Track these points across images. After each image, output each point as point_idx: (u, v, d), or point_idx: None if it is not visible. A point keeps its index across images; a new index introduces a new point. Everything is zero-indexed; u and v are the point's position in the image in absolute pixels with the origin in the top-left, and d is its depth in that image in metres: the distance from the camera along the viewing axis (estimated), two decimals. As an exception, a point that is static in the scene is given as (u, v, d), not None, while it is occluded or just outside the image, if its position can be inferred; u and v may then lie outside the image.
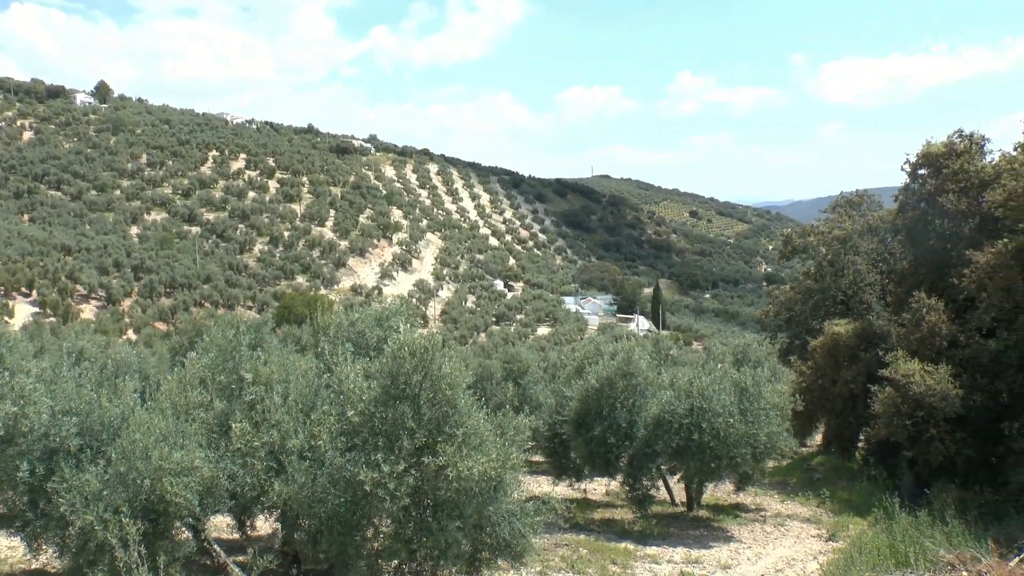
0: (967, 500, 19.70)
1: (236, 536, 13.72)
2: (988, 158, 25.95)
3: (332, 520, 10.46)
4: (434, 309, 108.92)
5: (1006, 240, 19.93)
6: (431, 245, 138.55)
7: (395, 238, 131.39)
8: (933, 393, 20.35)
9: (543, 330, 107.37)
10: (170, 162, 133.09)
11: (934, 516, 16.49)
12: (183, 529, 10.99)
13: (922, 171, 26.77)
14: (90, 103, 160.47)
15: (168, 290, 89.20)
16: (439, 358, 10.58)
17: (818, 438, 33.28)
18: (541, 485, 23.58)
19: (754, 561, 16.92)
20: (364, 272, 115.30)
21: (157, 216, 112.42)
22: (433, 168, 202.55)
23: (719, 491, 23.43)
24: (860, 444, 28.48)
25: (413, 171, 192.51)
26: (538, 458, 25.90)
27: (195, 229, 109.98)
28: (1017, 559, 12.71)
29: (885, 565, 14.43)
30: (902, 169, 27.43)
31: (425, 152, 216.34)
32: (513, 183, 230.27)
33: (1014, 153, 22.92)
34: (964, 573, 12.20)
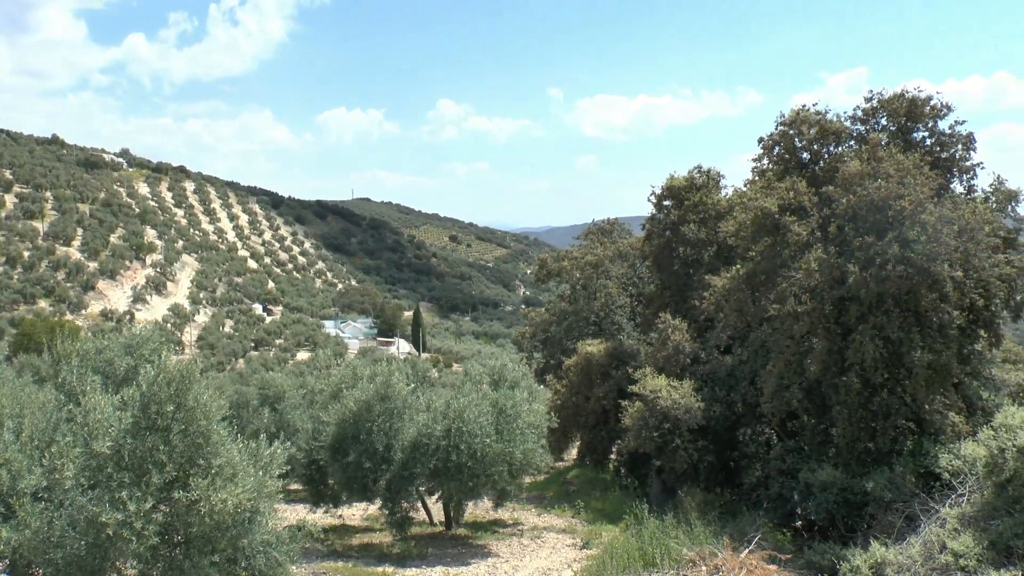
0: (709, 502, 21.26)
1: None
2: (723, 192, 28.31)
3: (71, 566, 9.75)
4: (190, 334, 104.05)
5: (738, 266, 21.63)
6: (187, 267, 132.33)
7: (149, 260, 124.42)
8: (678, 406, 21.85)
9: (303, 355, 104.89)
10: None
11: (679, 519, 17.72)
12: None
13: (666, 202, 28.67)
14: None
15: None
16: (194, 387, 10.22)
17: (573, 452, 34.50)
18: (299, 513, 23.12)
19: (511, 574, 17.44)
20: (115, 296, 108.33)
21: None
22: (190, 186, 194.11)
23: (478, 508, 23.85)
24: (613, 456, 29.91)
25: (168, 189, 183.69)
26: (296, 486, 25.38)
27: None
28: (747, 551, 13.97)
29: (634, 567, 15.33)
30: (648, 200, 29.27)
31: (181, 169, 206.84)
32: (273, 204, 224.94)
33: (744, 188, 25.01)
34: (703, 568, 13.25)
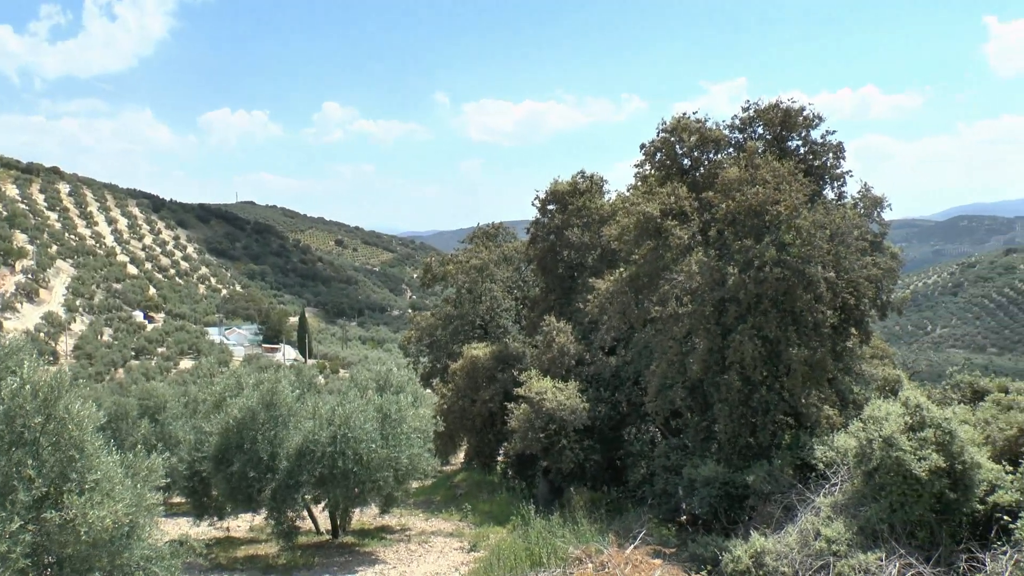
0: (596, 500, 21.64)
1: None
2: (607, 197, 28.79)
3: (-76, 598, 9.16)
4: (66, 344, 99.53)
5: (622, 269, 22.04)
6: (62, 273, 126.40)
7: (19, 265, 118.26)
8: (563, 407, 22.13)
9: (186, 363, 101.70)
10: None
11: (566, 518, 17.91)
12: None
13: (551, 206, 29.02)
14: None
15: None
16: (67, 398, 9.76)
17: (461, 455, 34.53)
18: (181, 527, 22.49)
19: (399, 581, 17.34)
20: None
21: None
22: (64, 188, 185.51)
23: (365, 515, 23.68)
24: (500, 458, 30.03)
25: (40, 191, 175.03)
26: (178, 499, 24.63)
27: None
28: (632, 547, 14.24)
29: (521, 567, 15.45)
30: (533, 204, 29.55)
31: (55, 170, 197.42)
32: (153, 207, 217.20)
33: (627, 193, 25.51)
34: (589, 565, 13.44)
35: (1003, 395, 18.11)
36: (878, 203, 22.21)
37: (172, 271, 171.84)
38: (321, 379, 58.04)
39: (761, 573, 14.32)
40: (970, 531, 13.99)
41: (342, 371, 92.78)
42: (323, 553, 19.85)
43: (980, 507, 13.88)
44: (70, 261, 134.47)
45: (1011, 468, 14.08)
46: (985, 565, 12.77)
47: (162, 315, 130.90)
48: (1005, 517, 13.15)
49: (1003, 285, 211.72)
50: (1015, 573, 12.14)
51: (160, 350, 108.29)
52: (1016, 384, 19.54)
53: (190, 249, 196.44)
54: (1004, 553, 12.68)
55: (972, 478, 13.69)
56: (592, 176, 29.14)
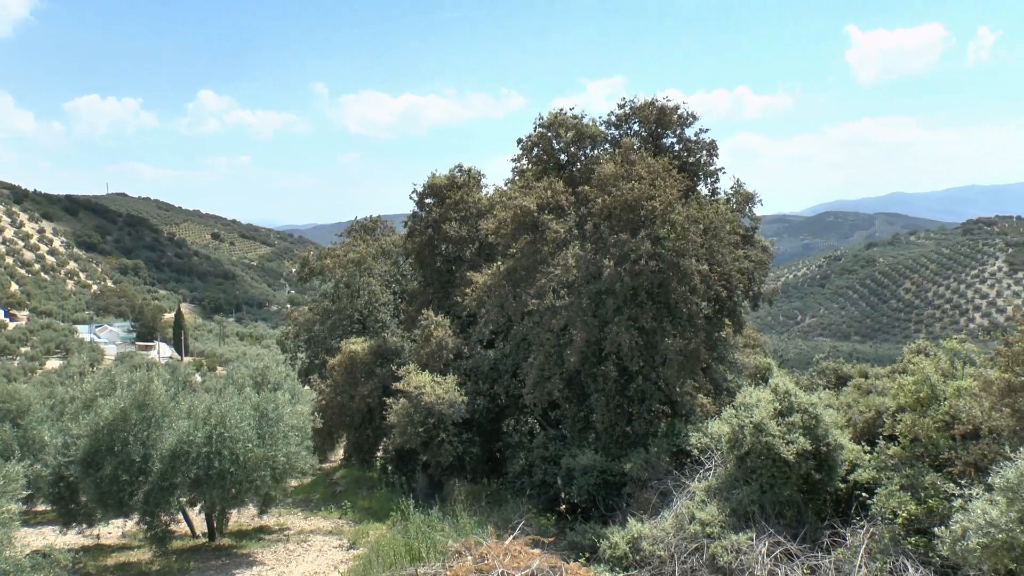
0: (476, 493, 21.74)
1: None
2: (485, 191, 28.88)
3: None
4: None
5: (499, 263, 22.18)
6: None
7: None
8: (442, 401, 22.14)
9: (53, 363, 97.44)
10: None
11: (446, 511, 17.90)
12: None
13: (428, 200, 28.93)
14: None
15: None
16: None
17: (340, 452, 34.16)
18: (46, 537, 21.51)
19: (277, 582, 17.05)
20: None
21: None
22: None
23: (243, 516, 23.19)
24: (379, 454, 29.80)
25: None
26: (42, 507, 23.55)
27: None
28: (511, 537, 14.37)
29: (401, 563, 15.40)
30: (411, 198, 29.39)
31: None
32: (15, 198, 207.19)
33: (505, 188, 25.68)
34: (469, 557, 13.48)
35: (863, 380, 19.01)
36: (750, 199, 22.98)
37: (37, 266, 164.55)
38: (198, 377, 56.41)
39: (638, 558, 14.67)
40: (833, 508, 14.72)
41: (219, 368, 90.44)
42: (199, 557, 19.39)
43: (842, 486, 14.60)
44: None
45: (869, 448, 14.83)
46: (846, 539, 13.46)
47: (26, 313, 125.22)
48: (863, 494, 13.87)
49: (865, 277, 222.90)
50: (870, 545, 12.81)
51: (24, 349, 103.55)
52: (875, 370, 20.53)
53: (56, 243, 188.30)
54: (862, 528, 13.39)
55: (835, 459, 14.36)
56: (470, 170, 29.21)
